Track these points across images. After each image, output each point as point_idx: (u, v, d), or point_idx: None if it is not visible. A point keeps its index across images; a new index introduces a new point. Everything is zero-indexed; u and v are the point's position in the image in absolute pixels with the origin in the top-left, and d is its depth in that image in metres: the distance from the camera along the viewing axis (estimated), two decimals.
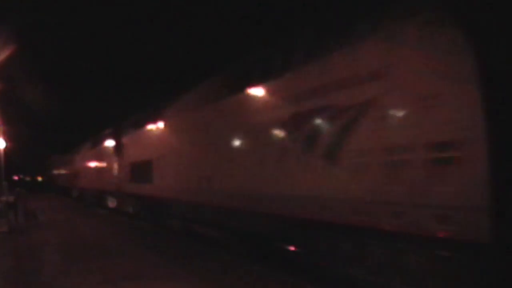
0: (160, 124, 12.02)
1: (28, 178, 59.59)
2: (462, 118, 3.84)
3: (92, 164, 23.26)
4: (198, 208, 9.35)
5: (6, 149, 19.87)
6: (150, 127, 12.86)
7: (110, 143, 18.46)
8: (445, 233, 3.96)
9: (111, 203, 19.43)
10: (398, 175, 4.43)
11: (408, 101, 4.35)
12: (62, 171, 37.57)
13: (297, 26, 7.35)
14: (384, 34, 4.74)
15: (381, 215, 4.60)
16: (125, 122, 16.88)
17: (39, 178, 58.10)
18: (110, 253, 8.55)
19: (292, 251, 7.08)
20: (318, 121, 5.68)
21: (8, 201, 15.25)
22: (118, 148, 16.88)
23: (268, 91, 6.97)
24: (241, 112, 7.70)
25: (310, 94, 5.82)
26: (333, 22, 5.98)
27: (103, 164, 20.15)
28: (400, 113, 4.49)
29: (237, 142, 7.90)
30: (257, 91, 7.17)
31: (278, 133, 6.60)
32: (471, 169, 3.75)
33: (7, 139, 20.77)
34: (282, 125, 6.47)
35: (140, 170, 13.64)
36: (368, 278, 5.14)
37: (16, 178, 53.57)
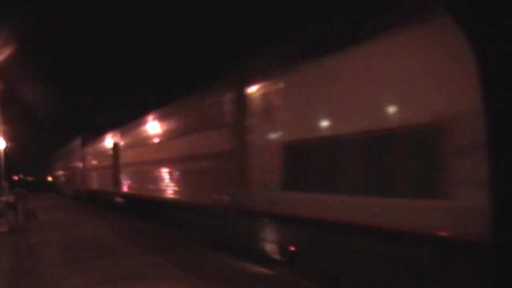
0: None
1: (29, 178, 58.47)
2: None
3: None
4: None
5: (6, 149, 19.88)
6: None
7: None
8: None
9: None
10: None
11: None
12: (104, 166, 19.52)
13: None
14: None
15: None
16: None
17: (50, 178, 46.00)
18: (110, 253, 8.54)
19: (293, 251, 7.06)
20: None
21: (8, 201, 15.26)
22: None
23: None
24: None
25: None
26: None
27: None
28: None
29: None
30: None
31: None
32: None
33: (7, 139, 20.78)
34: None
35: None
36: (368, 278, 5.12)
37: (16, 178, 53.23)
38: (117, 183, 17.00)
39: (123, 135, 16.76)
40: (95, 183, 21.92)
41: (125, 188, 16.14)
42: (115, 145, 17.52)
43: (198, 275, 6.50)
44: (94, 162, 22.24)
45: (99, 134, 21.09)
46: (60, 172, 36.87)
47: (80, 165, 25.84)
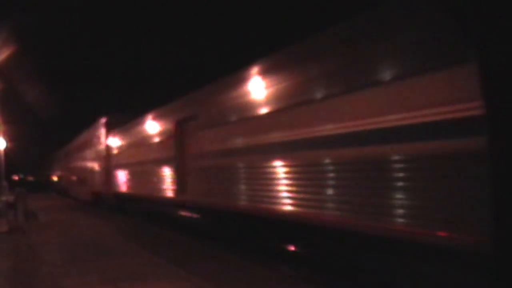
0: None
1: (30, 178, 58.18)
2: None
3: None
4: None
5: (6, 149, 19.90)
6: None
7: None
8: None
9: None
10: None
11: None
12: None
13: None
14: None
15: None
16: None
17: (55, 178, 39.47)
18: (110, 253, 8.54)
19: (293, 250, 7.07)
20: None
21: (8, 201, 15.26)
22: None
23: None
24: None
25: None
26: None
27: None
28: None
29: None
30: None
31: None
32: None
33: (7, 139, 20.79)
34: None
35: None
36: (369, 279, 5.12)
37: (16, 178, 53.16)
38: (184, 186, 10.33)
39: (206, 104, 9.27)
40: (131, 185, 15.04)
41: (207, 196, 9.04)
42: (182, 125, 10.48)
43: (198, 274, 6.50)
44: (130, 155, 14.83)
45: (141, 112, 14.01)
46: (69, 171, 29.53)
47: (102, 160, 18.56)
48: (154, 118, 12.72)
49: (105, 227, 12.91)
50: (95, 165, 20.44)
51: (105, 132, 18.35)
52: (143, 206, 14.24)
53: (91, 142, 21.44)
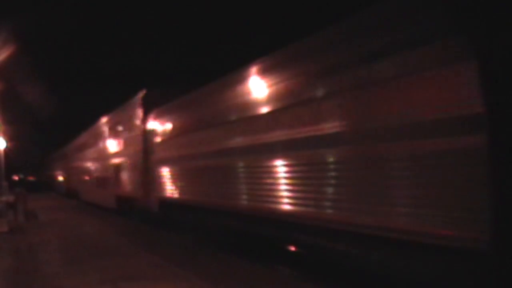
0: None
1: (31, 178, 57.79)
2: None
3: None
4: None
5: (6, 149, 19.91)
6: None
7: None
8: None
9: None
10: None
11: None
12: None
13: None
14: None
15: None
16: None
17: (60, 178, 34.75)
18: (110, 253, 8.53)
19: (294, 250, 7.06)
20: None
21: (8, 201, 15.28)
22: None
23: None
24: None
25: None
26: None
27: None
28: None
29: None
30: None
31: None
32: None
33: (7, 139, 20.80)
34: None
35: None
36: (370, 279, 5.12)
37: (16, 178, 53.01)
38: (361, 194, 4.85)
39: None
40: (203, 189, 9.10)
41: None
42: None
43: (198, 274, 6.50)
44: (200, 141, 9.17)
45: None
46: (80, 169, 24.27)
47: (137, 152, 13.40)
48: (268, 69, 7.00)
49: (104, 227, 12.91)
50: (124, 160, 15.08)
51: (142, 114, 13.01)
52: (221, 221, 8.79)
53: (115, 130, 16.43)
